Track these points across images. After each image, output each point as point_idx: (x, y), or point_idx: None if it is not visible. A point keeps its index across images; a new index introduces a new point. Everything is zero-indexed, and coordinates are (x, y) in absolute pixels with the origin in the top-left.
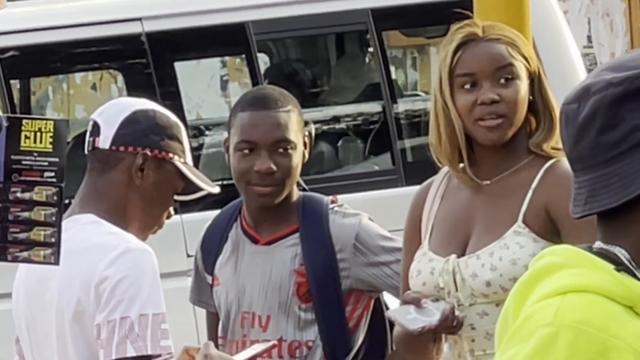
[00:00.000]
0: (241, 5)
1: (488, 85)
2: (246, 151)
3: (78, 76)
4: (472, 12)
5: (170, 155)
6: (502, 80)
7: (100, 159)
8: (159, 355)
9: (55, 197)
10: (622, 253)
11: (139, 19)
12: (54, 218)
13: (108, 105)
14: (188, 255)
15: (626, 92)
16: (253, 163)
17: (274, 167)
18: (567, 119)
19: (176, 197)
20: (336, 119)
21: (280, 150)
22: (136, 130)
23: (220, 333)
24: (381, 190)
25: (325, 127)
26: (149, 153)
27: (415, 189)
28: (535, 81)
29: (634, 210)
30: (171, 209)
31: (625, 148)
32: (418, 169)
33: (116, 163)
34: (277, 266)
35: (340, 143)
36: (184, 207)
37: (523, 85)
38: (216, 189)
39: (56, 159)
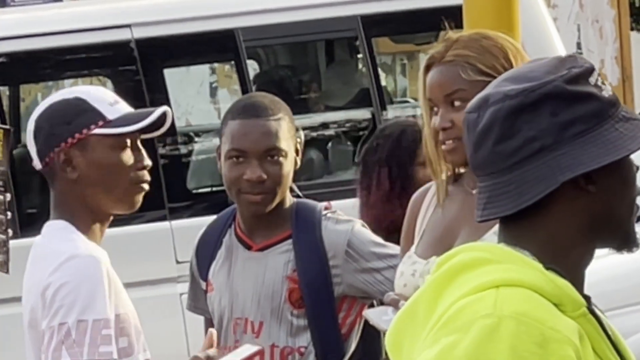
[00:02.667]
0: (230, 12)
1: (442, 111)
2: (236, 159)
3: (67, 83)
4: (462, 19)
5: (84, 130)
6: (457, 103)
7: (46, 176)
8: None
9: (2, 206)
10: (527, 255)
11: (128, 26)
12: (3, 227)
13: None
14: (177, 262)
15: (522, 105)
16: (243, 171)
17: (264, 176)
18: (468, 127)
19: (144, 136)
20: (326, 125)
21: (270, 158)
22: (44, 136)
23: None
24: None
25: (314, 134)
26: (63, 146)
27: None
28: None
29: (534, 217)
30: (145, 162)
31: (521, 157)
32: None
33: (53, 174)
34: (269, 272)
35: (329, 149)
36: (173, 214)
37: None
38: (160, 110)
39: (3, 168)
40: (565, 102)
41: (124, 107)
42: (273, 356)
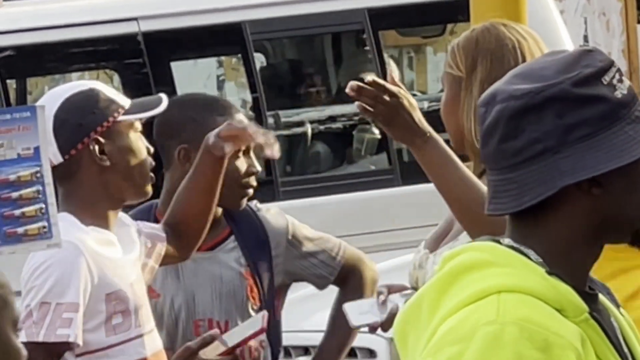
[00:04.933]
0: (237, 5)
1: None
2: (240, 153)
3: (75, 76)
4: (468, 12)
5: (110, 118)
6: None
7: (61, 172)
8: (63, 344)
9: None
10: (532, 254)
11: (135, 19)
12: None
13: None
14: None
15: (526, 106)
16: (251, 163)
17: (259, 169)
18: (479, 120)
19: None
20: (332, 118)
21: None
22: (71, 128)
23: (164, 345)
24: (378, 189)
25: (321, 127)
26: (94, 135)
27: (411, 188)
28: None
29: (540, 216)
30: (149, 147)
31: (524, 158)
32: (414, 169)
33: (77, 165)
34: (226, 270)
35: (336, 143)
36: None
37: (447, 93)
38: (165, 101)
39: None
40: (572, 105)
41: (126, 97)
42: (243, 354)
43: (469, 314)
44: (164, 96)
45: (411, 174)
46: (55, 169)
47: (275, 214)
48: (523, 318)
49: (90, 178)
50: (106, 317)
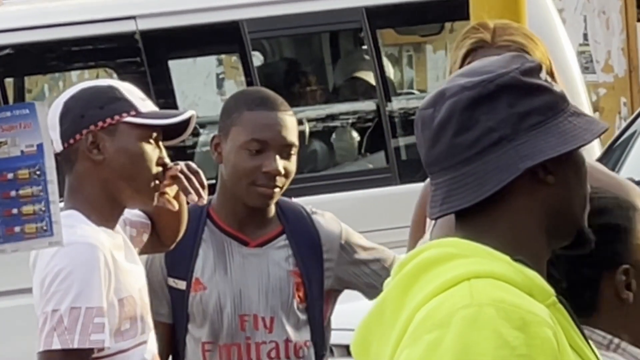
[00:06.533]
0: (235, 4)
1: None
2: (255, 150)
3: (73, 74)
4: (467, 10)
5: (116, 117)
6: None
7: (64, 160)
8: (91, 350)
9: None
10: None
11: (134, 17)
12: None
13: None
14: None
15: (480, 95)
16: (261, 163)
17: (282, 170)
18: (423, 123)
19: (167, 144)
20: (330, 117)
21: (287, 153)
22: (73, 117)
23: (205, 338)
24: (375, 188)
25: (319, 126)
26: (93, 128)
27: (409, 187)
28: None
29: (492, 211)
30: (166, 160)
31: (479, 149)
32: (412, 168)
33: (75, 156)
34: (273, 267)
35: (334, 141)
36: None
37: None
38: (189, 113)
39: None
40: (522, 93)
41: (151, 105)
42: (288, 351)
43: (443, 300)
44: (190, 112)
45: (409, 172)
46: (57, 157)
47: (329, 218)
48: (497, 299)
49: (86, 171)
50: (118, 322)
